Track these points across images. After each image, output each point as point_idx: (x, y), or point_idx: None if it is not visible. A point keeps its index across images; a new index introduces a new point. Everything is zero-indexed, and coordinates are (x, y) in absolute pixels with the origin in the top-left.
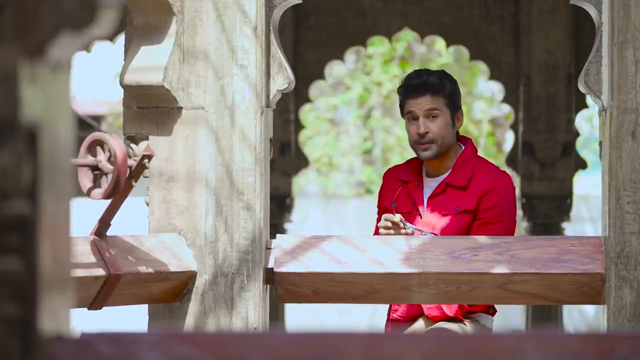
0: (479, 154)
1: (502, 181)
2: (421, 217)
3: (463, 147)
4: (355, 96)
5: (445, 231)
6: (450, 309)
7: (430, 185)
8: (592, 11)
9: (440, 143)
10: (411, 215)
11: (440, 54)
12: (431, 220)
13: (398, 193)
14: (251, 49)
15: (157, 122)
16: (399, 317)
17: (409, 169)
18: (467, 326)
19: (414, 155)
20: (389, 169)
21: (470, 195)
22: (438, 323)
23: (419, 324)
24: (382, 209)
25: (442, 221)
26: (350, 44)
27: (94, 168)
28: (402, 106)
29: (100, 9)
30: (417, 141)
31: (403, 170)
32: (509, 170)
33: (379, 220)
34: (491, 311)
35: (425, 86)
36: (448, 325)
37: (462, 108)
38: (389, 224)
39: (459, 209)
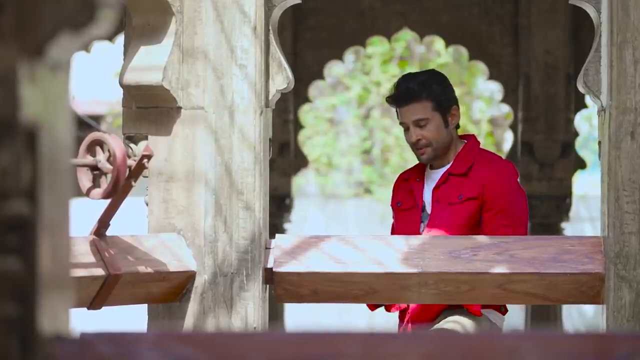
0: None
1: (503, 169)
2: (421, 211)
3: (465, 142)
4: (354, 96)
5: (453, 219)
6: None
7: (433, 177)
8: (591, 11)
9: (436, 145)
10: (413, 210)
11: (439, 54)
12: (437, 210)
13: (402, 191)
14: (250, 48)
15: (156, 122)
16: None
17: (414, 168)
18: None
19: (413, 154)
20: (400, 173)
21: (471, 183)
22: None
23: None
24: (393, 207)
25: (449, 210)
26: (350, 44)
27: (94, 168)
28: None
29: (100, 9)
30: (413, 147)
31: (408, 171)
32: None
33: (394, 218)
34: (502, 310)
35: (407, 96)
36: (453, 323)
37: (457, 104)
38: None
39: (462, 197)
